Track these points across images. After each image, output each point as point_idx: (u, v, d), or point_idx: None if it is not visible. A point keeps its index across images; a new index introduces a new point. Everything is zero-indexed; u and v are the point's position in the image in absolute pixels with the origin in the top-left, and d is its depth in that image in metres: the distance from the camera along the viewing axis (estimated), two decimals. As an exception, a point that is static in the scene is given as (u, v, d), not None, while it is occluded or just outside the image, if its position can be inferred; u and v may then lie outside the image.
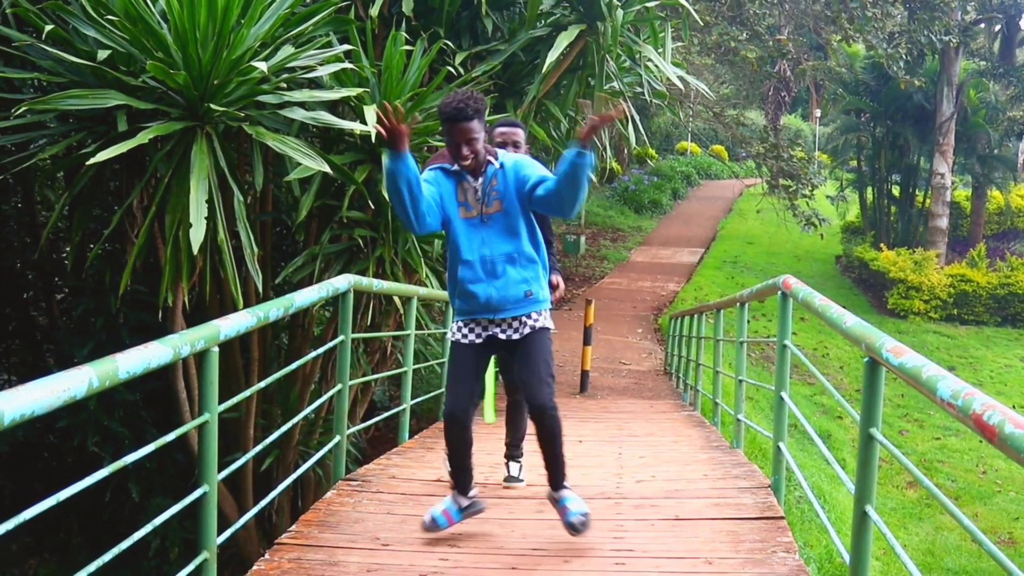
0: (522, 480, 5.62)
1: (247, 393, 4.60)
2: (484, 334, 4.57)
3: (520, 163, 4.48)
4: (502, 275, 4.46)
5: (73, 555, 8.90)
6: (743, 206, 34.92)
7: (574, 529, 4.43)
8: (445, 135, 4.35)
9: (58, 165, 7.24)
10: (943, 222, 25.58)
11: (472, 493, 4.73)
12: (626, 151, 32.39)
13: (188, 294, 6.64)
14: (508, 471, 5.68)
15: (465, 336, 4.59)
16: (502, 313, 4.50)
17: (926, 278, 23.13)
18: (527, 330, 4.52)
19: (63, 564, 8.89)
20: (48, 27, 5.69)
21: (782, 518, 4.90)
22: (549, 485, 4.63)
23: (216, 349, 3.52)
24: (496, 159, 4.46)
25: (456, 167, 4.42)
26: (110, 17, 5.77)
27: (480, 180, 4.43)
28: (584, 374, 13.61)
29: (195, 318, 6.88)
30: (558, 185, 4.25)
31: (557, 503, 4.58)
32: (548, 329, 4.61)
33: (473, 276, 4.46)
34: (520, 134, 5.42)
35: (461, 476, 4.70)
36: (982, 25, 27.65)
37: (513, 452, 5.71)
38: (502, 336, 4.54)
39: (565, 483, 4.61)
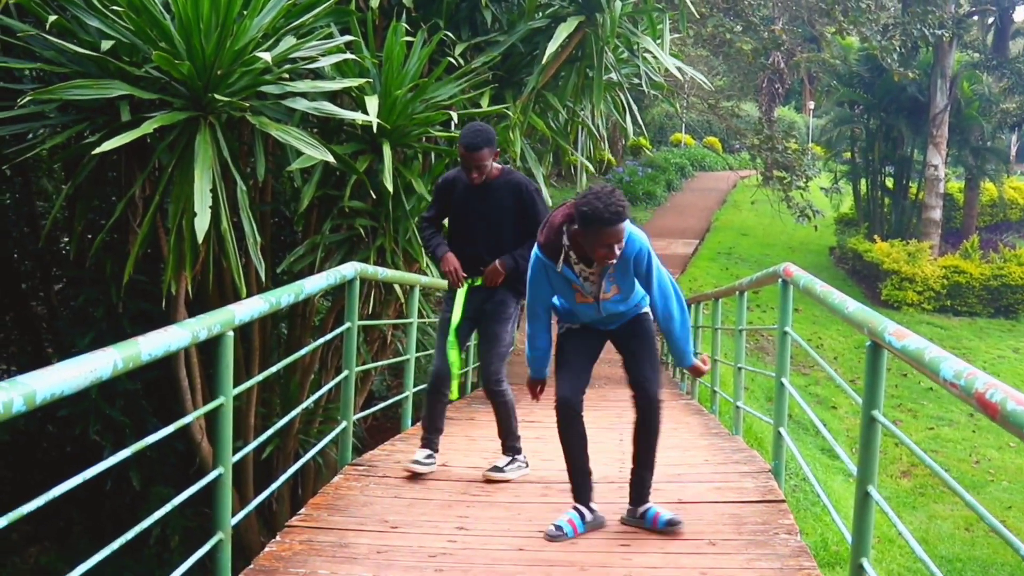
0: (504, 472, 5.57)
1: (260, 377, 4.68)
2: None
3: (639, 258, 4.36)
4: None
5: (74, 543, 8.94)
6: (737, 197, 34.96)
7: (675, 525, 4.47)
8: (587, 235, 4.15)
9: (58, 155, 7.26)
10: (936, 214, 25.65)
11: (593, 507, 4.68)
12: (621, 142, 32.41)
13: (190, 283, 6.68)
14: (495, 462, 5.70)
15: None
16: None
17: (919, 269, 23.21)
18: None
19: (64, 552, 8.93)
20: (52, 17, 5.71)
21: (783, 501, 4.98)
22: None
23: (231, 333, 3.58)
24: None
25: (565, 261, 4.37)
26: (114, 7, 5.80)
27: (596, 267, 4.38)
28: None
29: (196, 307, 6.93)
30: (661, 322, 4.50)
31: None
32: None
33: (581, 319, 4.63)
34: (485, 155, 5.40)
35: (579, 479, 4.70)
36: (975, 17, 27.71)
37: (505, 448, 5.74)
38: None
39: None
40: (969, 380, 2.66)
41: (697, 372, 4.72)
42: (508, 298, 5.69)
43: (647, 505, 4.60)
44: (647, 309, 4.66)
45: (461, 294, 5.64)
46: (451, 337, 5.59)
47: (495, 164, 5.57)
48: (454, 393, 5.68)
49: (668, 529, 4.44)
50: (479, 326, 5.79)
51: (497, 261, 5.56)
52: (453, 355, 5.54)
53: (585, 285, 4.41)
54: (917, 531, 12.21)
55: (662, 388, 4.57)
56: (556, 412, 4.54)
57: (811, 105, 43.70)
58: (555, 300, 4.63)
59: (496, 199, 5.54)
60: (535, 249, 4.43)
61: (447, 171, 6.14)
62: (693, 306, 11.44)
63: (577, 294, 4.45)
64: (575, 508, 4.60)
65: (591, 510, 4.62)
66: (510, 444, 5.69)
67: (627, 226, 4.20)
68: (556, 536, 4.43)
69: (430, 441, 5.72)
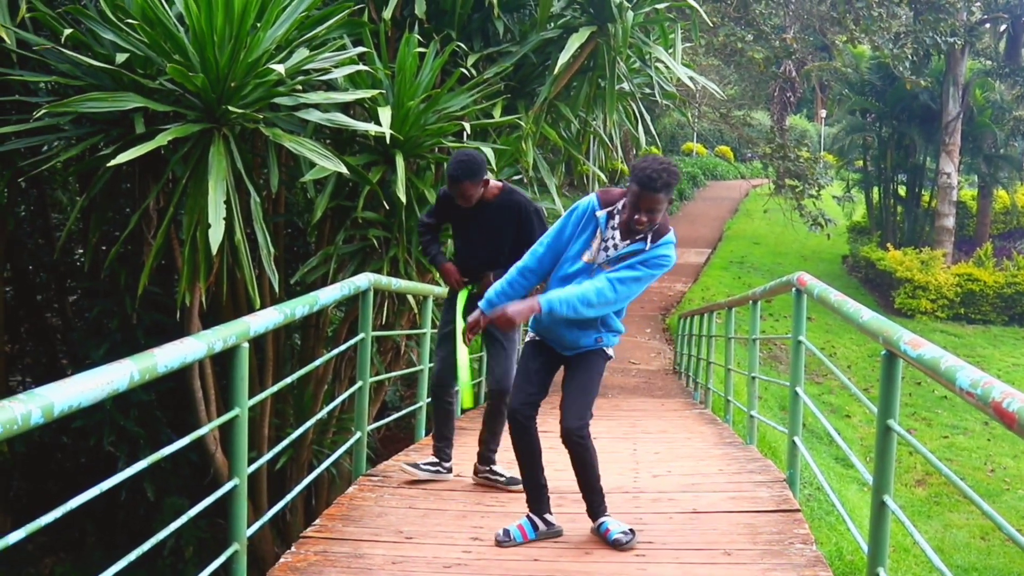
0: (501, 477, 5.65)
1: (275, 388, 4.68)
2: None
3: (656, 258, 4.40)
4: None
5: (88, 554, 8.95)
6: (749, 206, 34.96)
7: (618, 545, 4.44)
8: (631, 194, 4.22)
9: (73, 168, 7.29)
10: (949, 221, 25.61)
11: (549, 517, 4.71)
12: (633, 152, 32.42)
13: (204, 295, 6.70)
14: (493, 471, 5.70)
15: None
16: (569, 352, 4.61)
17: (933, 277, 23.16)
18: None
19: (78, 563, 8.94)
20: (67, 31, 5.75)
21: (798, 511, 4.96)
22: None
23: (246, 345, 3.59)
24: (654, 241, 4.37)
25: (609, 214, 4.37)
26: (128, 21, 5.83)
27: (625, 243, 4.37)
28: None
29: (209, 319, 6.95)
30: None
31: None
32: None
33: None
34: (468, 188, 5.36)
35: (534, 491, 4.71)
36: (988, 25, 27.65)
37: (486, 455, 5.70)
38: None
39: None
40: (986, 389, 2.65)
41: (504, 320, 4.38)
42: None
43: (600, 519, 4.61)
44: (610, 350, 4.66)
45: (460, 302, 5.61)
46: (459, 345, 5.42)
47: (495, 182, 5.57)
48: (468, 401, 5.63)
49: (614, 546, 4.44)
50: (486, 336, 5.71)
51: (492, 275, 5.43)
52: (464, 361, 5.48)
53: (600, 249, 4.39)
54: (932, 540, 12.16)
55: (586, 424, 4.46)
56: (508, 421, 4.59)
57: (823, 113, 43.70)
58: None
59: (493, 219, 5.51)
60: (591, 196, 4.48)
61: None
62: (706, 316, 11.43)
63: (587, 250, 4.41)
64: (528, 516, 4.64)
65: (546, 521, 4.65)
66: (489, 452, 5.68)
67: (671, 239, 4.38)
68: (502, 541, 4.50)
69: (439, 450, 5.74)
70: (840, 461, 13.61)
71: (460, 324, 5.50)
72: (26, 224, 9.49)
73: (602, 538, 4.52)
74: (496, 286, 4.56)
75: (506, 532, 4.54)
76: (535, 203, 5.65)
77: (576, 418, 4.44)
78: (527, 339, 4.69)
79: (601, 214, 4.36)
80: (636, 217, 4.20)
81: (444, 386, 5.70)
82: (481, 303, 4.57)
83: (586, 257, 4.40)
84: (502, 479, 5.59)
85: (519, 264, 4.57)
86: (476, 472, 5.71)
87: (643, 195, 4.15)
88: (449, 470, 5.73)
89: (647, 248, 4.33)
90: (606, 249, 4.38)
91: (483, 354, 9.06)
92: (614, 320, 4.58)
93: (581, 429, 4.43)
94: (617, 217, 4.36)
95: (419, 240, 6.10)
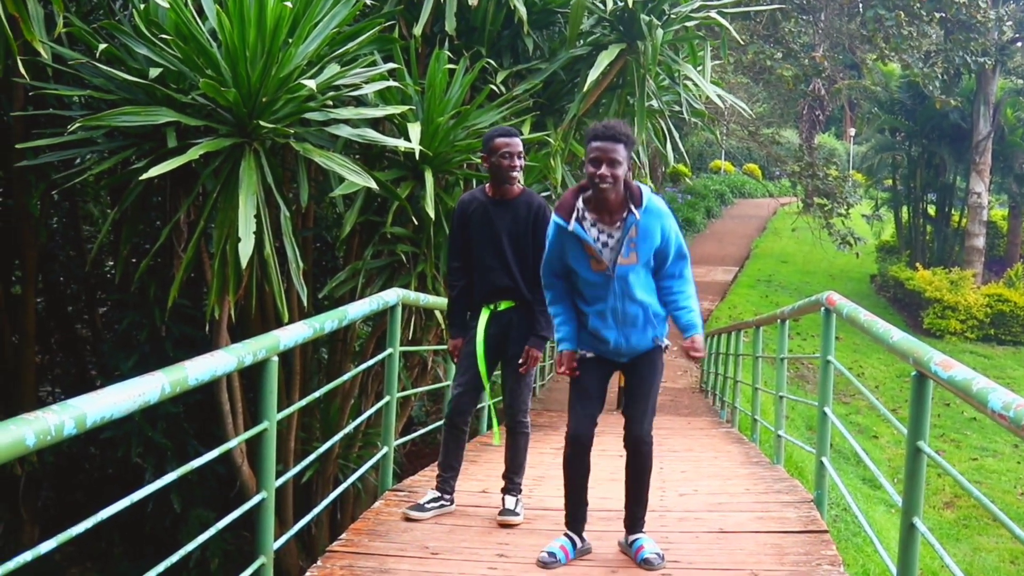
0: (519, 514, 5.30)
1: (304, 402, 4.70)
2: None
3: (663, 221, 4.35)
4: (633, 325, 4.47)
5: (115, 564, 8.99)
6: (777, 225, 34.85)
7: (648, 565, 4.40)
8: (588, 157, 4.23)
9: (105, 181, 7.35)
10: (980, 241, 25.44)
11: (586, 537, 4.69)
12: (661, 169, 32.40)
13: (233, 308, 6.74)
14: (504, 504, 5.36)
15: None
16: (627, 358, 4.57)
17: (962, 298, 23.00)
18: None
19: (105, 573, 8.98)
20: (102, 45, 5.82)
21: (826, 532, 4.93)
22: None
23: (276, 359, 3.61)
24: (637, 206, 4.29)
25: (579, 220, 4.33)
26: (162, 36, 5.89)
27: (617, 229, 4.32)
28: (620, 391, 13.59)
29: (238, 332, 6.99)
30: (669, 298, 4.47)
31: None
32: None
33: (603, 325, 4.46)
34: (520, 144, 5.23)
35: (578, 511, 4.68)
36: (1019, 44, 27.49)
37: (511, 486, 5.39)
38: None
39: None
40: (1019, 412, 2.64)
41: (693, 349, 4.44)
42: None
43: (636, 535, 4.57)
44: (665, 343, 4.58)
45: (482, 323, 5.36)
46: (482, 369, 5.32)
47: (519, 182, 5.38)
48: (496, 438, 5.51)
49: (643, 566, 4.40)
50: (502, 357, 5.43)
51: (528, 346, 5.29)
52: (487, 391, 5.34)
53: (603, 251, 4.32)
54: (961, 563, 12.03)
55: (651, 428, 4.46)
56: (567, 445, 4.51)
57: (852, 132, 43.56)
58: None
59: (515, 214, 5.26)
60: (553, 215, 4.45)
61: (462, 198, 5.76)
62: (733, 335, 11.39)
63: (592, 260, 4.35)
64: (567, 535, 4.60)
65: (583, 539, 4.62)
66: (517, 481, 5.40)
67: (649, 195, 4.30)
68: (549, 563, 4.42)
69: (444, 482, 5.42)
70: (867, 482, 13.51)
71: (480, 346, 5.31)
72: (58, 236, 9.58)
73: (632, 555, 4.48)
74: (560, 329, 4.56)
75: (551, 554, 4.46)
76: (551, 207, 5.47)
77: (645, 424, 4.43)
78: (579, 356, 4.56)
79: (573, 226, 4.32)
80: (599, 172, 4.16)
81: (462, 413, 5.41)
82: (564, 345, 4.56)
83: (595, 267, 4.37)
84: (519, 518, 5.31)
85: (556, 315, 4.58)
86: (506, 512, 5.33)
87: (598, 147, 4.16)
88: (451, 502, 5.43)
89: (637, 216, 4.26)
90: (605, 246, 4.33)
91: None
92: (659, 307, 4.50)
93: (649, 435, 4.44)
94: (587, 217, 4.33)
95: (447, 291, 5.89)
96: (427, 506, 5.27)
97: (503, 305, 5.35)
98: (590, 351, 4.54)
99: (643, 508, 4.60)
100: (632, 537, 4.56)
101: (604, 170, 4.15)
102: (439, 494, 5.37)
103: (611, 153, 4.14)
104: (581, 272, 4.40)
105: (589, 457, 4.54)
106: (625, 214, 4.27)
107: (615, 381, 5.82)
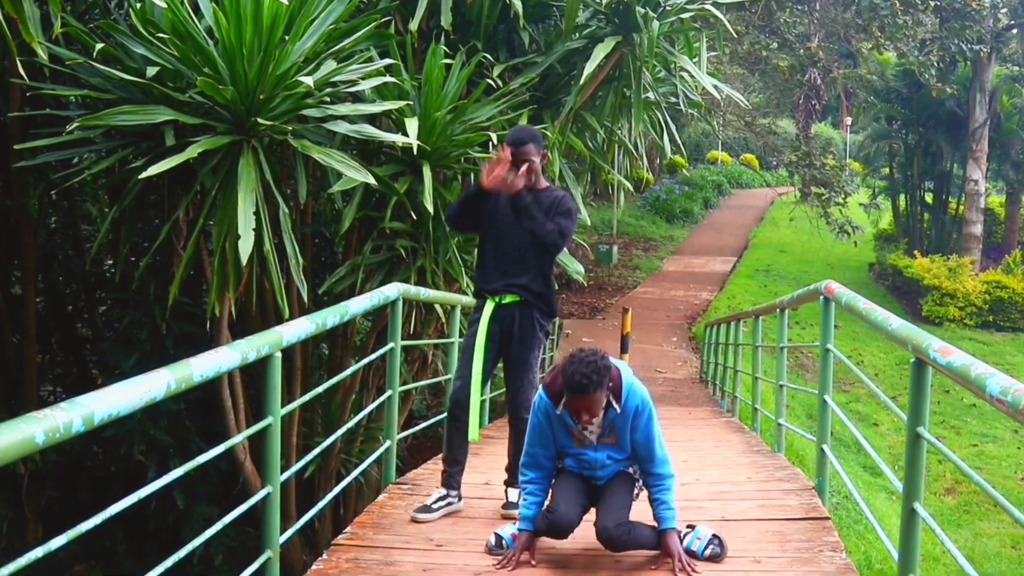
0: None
1: (307, 397, 4.72)
2: None
3: (641, 419, 4.36)
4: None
5: (119, 562, 9.01)
6: (775, 214, 34.87)
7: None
8: (568, 401, 4.24)
9: (103, 180, 7.37)
10: (977, 228, 25.46)
11: None
12: (658, 160, 32.42)
13: (233, 305, 6.76)
14: (507, 497, 5.38)
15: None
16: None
17: (961, 285, 23.02)
18: None
19: (108, 571, 9.00)
20: (99, 45, 5.83)
21: (827, 518, 4.97)
22: None
23: (279, 354, 3.63)
24: (619, 401, 4.31)
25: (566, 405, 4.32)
26: (159, 35, 5.90)
27: (596, 421, 4.38)
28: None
29: (238, 329, 7.00)
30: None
31: None
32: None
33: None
34: (533, 150, 5.16)
35: None
36: (1015, 31, 27.49)
37: (514, 479, 5.32)
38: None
39: None
40: (1017, 396, 2.66)
41: (669, 549, 4.33)
42: (537, 318, 5.37)
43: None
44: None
45: (486, 314, 5.31)
46: (478, 366, 5.27)
47: (544, 179, 5.36)
48: (475, 435, 5.42)
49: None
50: (506, 351, 5.42)
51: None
52: (476, 386, 5.25)
53: (585, 433, 4.41)
54: (963, 549, 12.03)
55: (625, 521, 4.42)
56: (545, 524, 4.43)
57: (848, 121, 43.54)
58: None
59: (535, 210, 5.17)
60: (540, 390, 4.47)
61: None
62: (733, 324, 11.41)
63: (575, 439, 4.44)
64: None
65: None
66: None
67: (628, 382, 4.32)
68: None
69: (450, 477, 5.40)
70: (868, 469, 13.55)
71: (482, 336, 5.29)
72: (57, 236, 9.59)
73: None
74: (526, 505, 4.50)
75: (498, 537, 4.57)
76: (573, 202, 5.42)
77: (615, 521, 4.37)
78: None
79: (560, 411, 4.36)
80: (582, 419, 4.25)
81: (464, 406, 5.34)
82: (523, 524, 4.48)
83: (578, 445, 4.46)
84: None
85: (529, 483, 4.54)
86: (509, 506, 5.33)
87: (579, 400, 4.15)
88: (459, 498, 5.41)
89: (618, 410, 4.31)
90: (587, 431, 4.41)
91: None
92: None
93: (619, 528, 4.37)
94: None
95: (452, 206, 5.71)
96: (434, 507, 5.24)
97: (508, 298, 5.32)
98: None
99: None
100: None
101: (585, 417, 4.25)
102: (445, 491, 5.34)
103: (589, 404, 4.17)
104: (565, 447, 4.50)
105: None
106: (605, 405, 4.29)
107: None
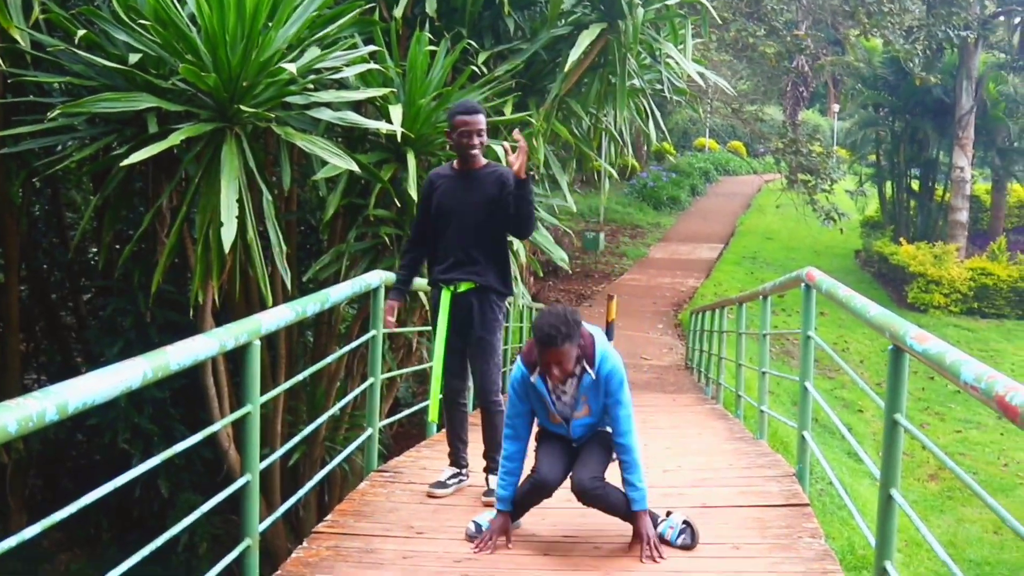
0: None
1: (287, 385, 4.74)
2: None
3: (612, 383, 4.40)
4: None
5: (103, 550, 9.02)
6: (762, 202, 34.92)
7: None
8: (539, 356, 4.30)
9: (87, 167, 7.35)
10: (963, 216, 25.53)
11: None
12: (644, 148, 32.43)
13: (217, 292, 6.75)
14: (487, 484, 5.40)
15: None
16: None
17: (946, 272, 23.09)
18: None
19: (93, 559, 9.01)
20: (80, 32, 5.81)
21: (807, 505, 4.99)
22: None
23: (258, 342, 3.63)
24: (592, 366, 4.37)
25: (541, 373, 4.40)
26: (141, 21, 5.88)
27: (571, 384, 4.44)
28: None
29: (223, 316, 7.00)
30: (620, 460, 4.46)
31: None
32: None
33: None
34: (482, 121, 5.25)
35: None
36: (1001, 18, 27.55)
37: (492, 465, 5.41)
38: None
39: None
40: (989, 383, 2.68)
41: (639, 531, 4.39)
42: (494, 301, 5.41)
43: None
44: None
45: (444, 304, 5.36)
46: (439, 354, 5.38)
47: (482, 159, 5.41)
48: (434, 415, 5.62)
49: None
50: (466, 341, 5.45)
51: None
52: (438, 372, 5.37)
53: (556, 405, 4.47)
54: (945, 534, 12.15)
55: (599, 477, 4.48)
56: (529, 484, 4.51)
57: (835, 108, 43.59)
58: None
59: (481, 189, 5.26)
60: (518, 361, 4.54)
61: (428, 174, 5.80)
62: (717, 312, 11.44)
63: (549, 414, 4.51)
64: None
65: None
66: (497, 459, 5.23)
67: (602, 348, 4.38)
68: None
69: (456, 454, 5.60)
70: (852, 456, 13.61)
71: (442, 328, 5.36)
72: (41, 223, 9.57)
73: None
74: (503, 485, 4.56)
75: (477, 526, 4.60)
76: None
77: (590, 475, 4.45)
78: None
79: (535, 378, 4.42)
80: (553, 374, 4.30)
81: (457, 391, 5.56)
82: (500, 505, 4.56)
83: (553, 419, 4.53)
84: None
85: (507, 460, 4.58)
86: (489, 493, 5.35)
87: (548, 353, 4.21)
88: (468, 475, 5.61)
89: (592, 375, 4.36)
90: (560, 399, 4.47)
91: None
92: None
93: (594, 482, 4.44)
94: None
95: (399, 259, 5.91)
96: (448, 482, 5.46)
97: (463, 287, 5.37)
98: None
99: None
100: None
101: (555, 371, 4.31)
102: (456, 469, 5.58)
103: (558, 357, 4.24)
104: (540, 418, 4.60)
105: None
106: (579, 371, 4.36)
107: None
